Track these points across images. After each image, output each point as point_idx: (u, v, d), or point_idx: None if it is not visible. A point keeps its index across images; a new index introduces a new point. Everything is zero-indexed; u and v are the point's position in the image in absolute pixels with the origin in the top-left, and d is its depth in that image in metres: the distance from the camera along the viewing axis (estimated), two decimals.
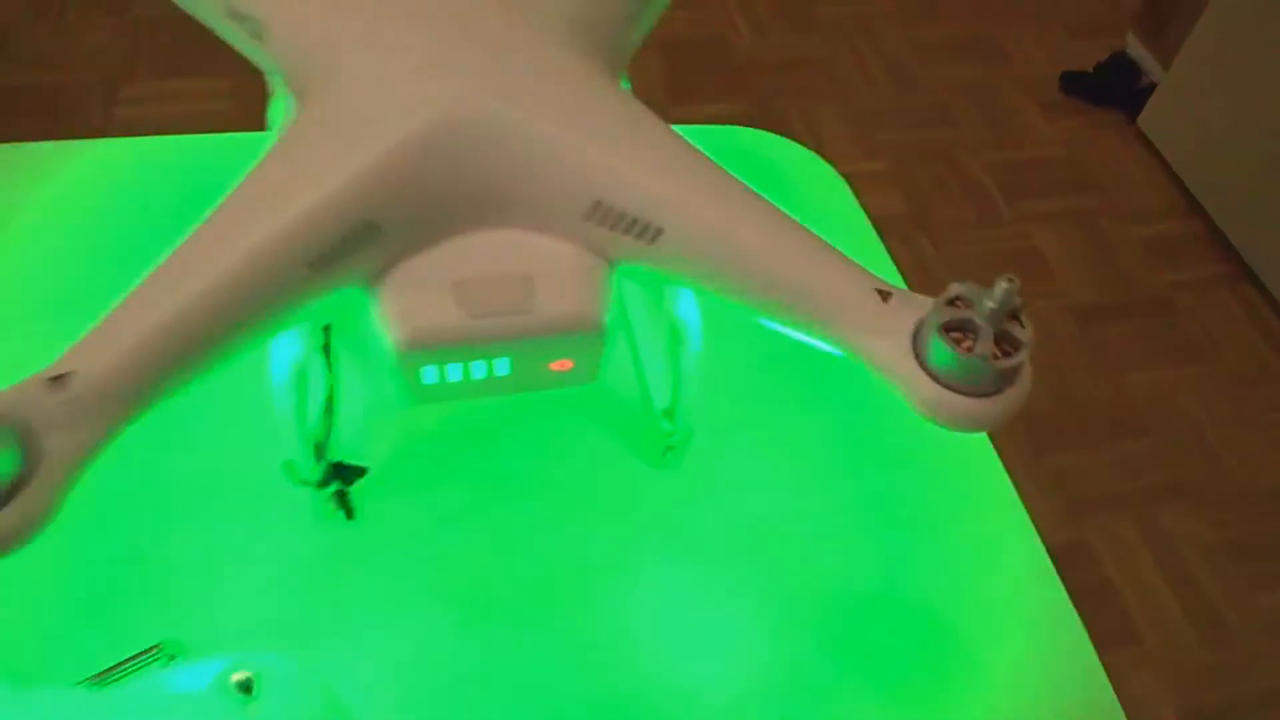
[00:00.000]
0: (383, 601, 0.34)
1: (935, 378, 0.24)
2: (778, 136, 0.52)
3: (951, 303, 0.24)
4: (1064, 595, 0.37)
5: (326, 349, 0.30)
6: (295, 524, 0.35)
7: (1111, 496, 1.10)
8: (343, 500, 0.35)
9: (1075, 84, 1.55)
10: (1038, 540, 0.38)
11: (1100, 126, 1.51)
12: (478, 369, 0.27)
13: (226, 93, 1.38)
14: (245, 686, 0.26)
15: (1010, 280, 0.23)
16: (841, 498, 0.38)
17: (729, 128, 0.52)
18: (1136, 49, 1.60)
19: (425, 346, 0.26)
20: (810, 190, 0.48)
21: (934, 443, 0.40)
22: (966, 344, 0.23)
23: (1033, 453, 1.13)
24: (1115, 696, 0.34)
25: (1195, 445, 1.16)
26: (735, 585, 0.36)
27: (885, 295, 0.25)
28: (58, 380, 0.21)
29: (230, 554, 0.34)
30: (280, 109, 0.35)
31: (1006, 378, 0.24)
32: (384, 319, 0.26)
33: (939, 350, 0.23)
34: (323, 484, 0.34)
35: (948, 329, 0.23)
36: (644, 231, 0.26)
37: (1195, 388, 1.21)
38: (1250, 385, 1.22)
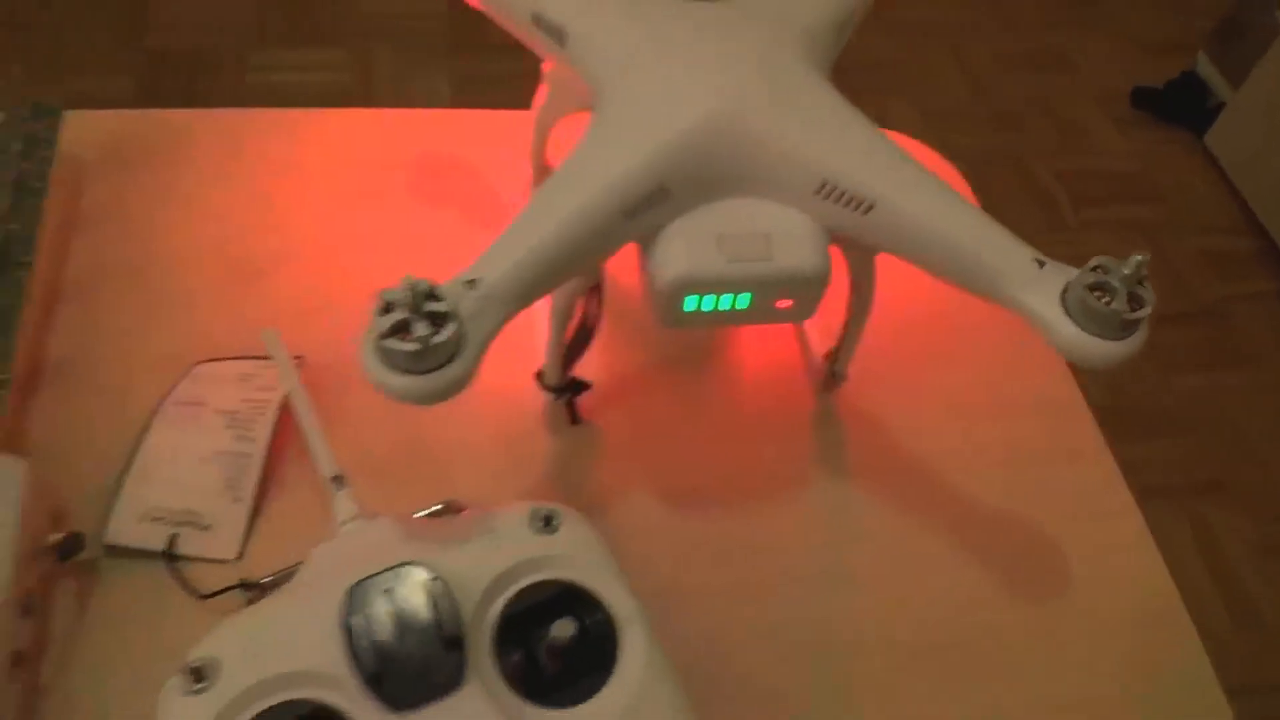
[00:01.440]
0: (601, 489, 0.44)
1: (1078, 325, 0.33)
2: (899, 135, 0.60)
3: (1093, 269, 0.33)
4: (1143, 524, 0.45)
5: (599, 287, 0.39)
6: (535, 423, 0.45)
7: (1158, 489, 1.18)
8: (571, 407, 0.45)
9: (1145, 99, 1.61)
10: (1121, 480, 0.47)
11: (1168, 142, 1.57)
12: (724, 302, 0.36)
13: (344, 64, 1.49)
14: (548, 520, 0.35)
15: (1143, 255, 0.32)
16: (966, 440, 0.47)
17: None
18: (1207, 68, 1.65)
19: (692, 282, 0.35)
20: None
21: (1038, 398, 0.49)
22: (1105, 300, 0.32)
23: None
24: (1182, 604, 0.43)
25: (1239, 447, 1.23)
26: (874, 499, 0.45)
27: (1040, 263, 0.34)
28: (470, 283, 0.31)
29: (485, 443, 0.44)
30: (546, 93, 0.44)
31: (1132, 327, 0.32)
32: (662, 260, 0.35)
33: (1085, 304, 0.32)
34: (561, 392, 0.43)
35: (1092, 288, 0.32)
36: (859, 206, 0.35)
37: (1242, 394, 1.28)
38: None
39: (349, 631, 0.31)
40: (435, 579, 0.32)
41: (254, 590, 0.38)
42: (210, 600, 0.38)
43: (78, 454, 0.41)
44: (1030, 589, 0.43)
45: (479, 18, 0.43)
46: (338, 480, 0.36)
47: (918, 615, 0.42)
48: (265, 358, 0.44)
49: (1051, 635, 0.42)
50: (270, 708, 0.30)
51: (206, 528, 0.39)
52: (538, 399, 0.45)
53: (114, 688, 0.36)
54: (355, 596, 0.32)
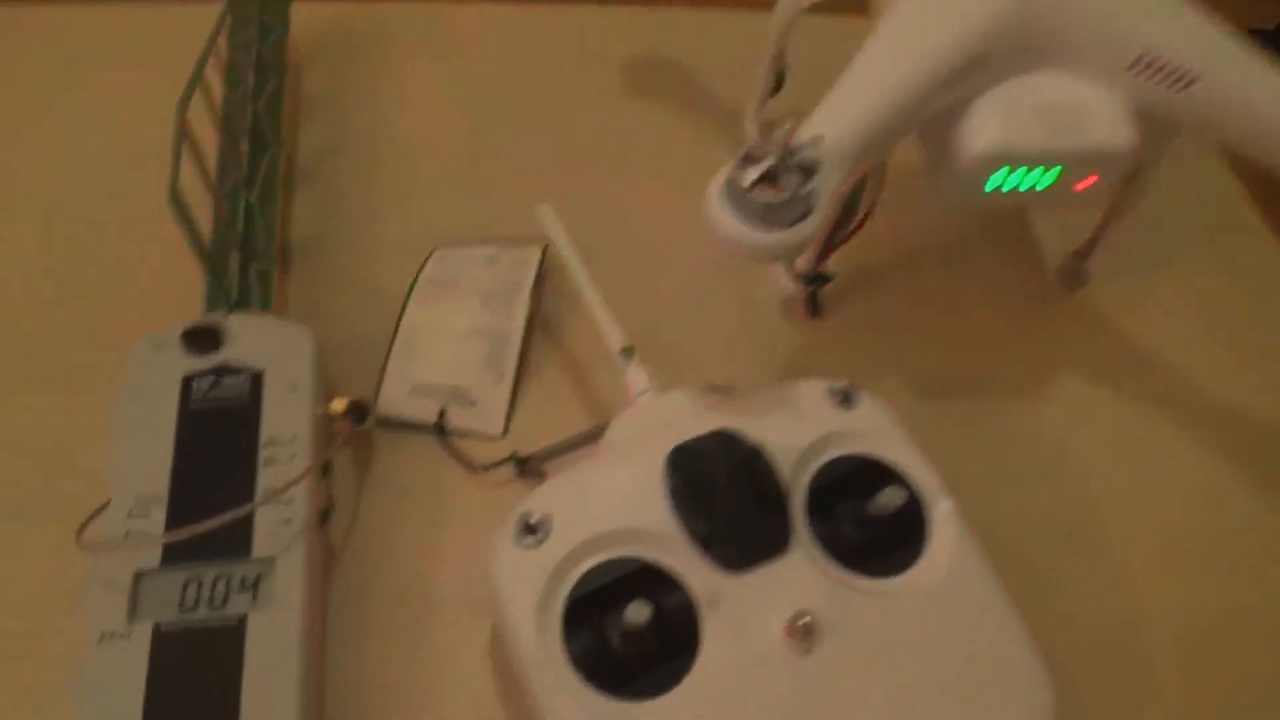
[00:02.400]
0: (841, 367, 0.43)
1: None
2: None
3: None
4: None
5: (878, 173, 0.38)
6: (774, 313, 0.44)
7: None
8: (814, 299, 0.44)
9: (1259, 41, 1.55)
10: None
11: None
12: (1029, 180, 0.35)
13: None
14: (845, 396, 0.35)
15: None
16: (1203, 338, 0.46)
17: None
18: None
19: (1006, 153, 0.34)
20: None
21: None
22: None
23: None
24: None
25: None
26: (1116, 396, 0.44)
27: None
28: (813, 138, 0.30)
29: (725, 330, 0.44)
30: None
31: None
32: (973, 132, 0.34)
33: None
34: (810, 282, 0.43)
35: None
36: (1178, 81, 0.34)
37: None
38: None
39: (675, 493, 0.31)
40: (755, 446, 0.32)
41: (528, 464, 0.38)
42: (482, 473, 0.38)
43: (332, 330, 0.41)
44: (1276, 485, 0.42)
45: None
46: (627, 352, 0.36)
47: (1161, 508, 0.41)
48: (504, 241, 0.44)
49: None
50: (601, 563, 0.30)
51: (472, 404, 0.39)
52: (773, 293, 0.45)
53: (395, 548, 0.37)
54: (677, 460, 0.32)
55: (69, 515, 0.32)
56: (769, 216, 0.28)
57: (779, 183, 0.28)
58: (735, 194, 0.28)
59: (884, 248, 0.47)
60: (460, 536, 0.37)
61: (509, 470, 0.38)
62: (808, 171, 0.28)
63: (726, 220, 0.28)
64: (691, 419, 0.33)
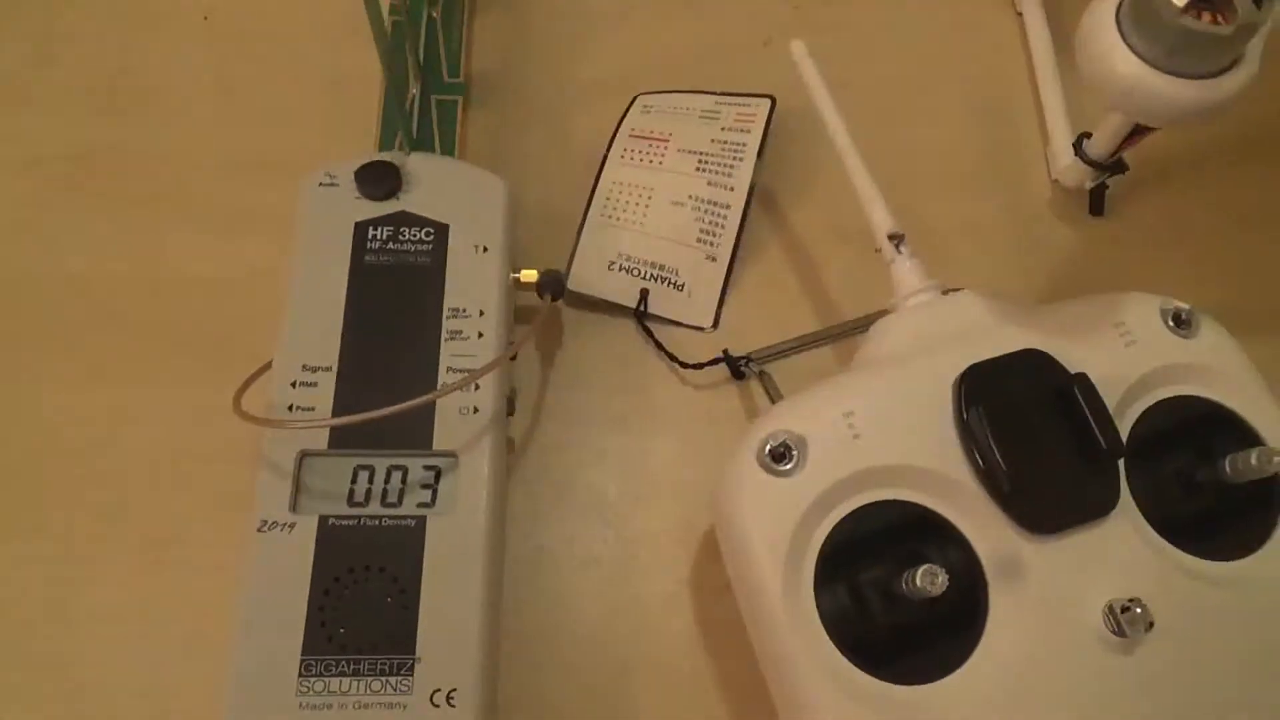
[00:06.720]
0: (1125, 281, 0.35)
1: None
2: None
3: None
4: None
5: None
6: (1043, 207, 0.36)
7: None
8: (1099, 193, 0.35)
9: None
10: None
11: None
12: None
13: None
14: (1179, 318, 0.27)
15: None
16: None
17: None
18: None
19: None
20: None
21: None
22: None
23: None
24: None
25: None
26: None
27: None
28: None
29: (982, 225, 0.35)
30: None
31: None
32: None
33: None
34: (1101, 170, 0.34)
35: None
36: None
37: None
38: None
39: (967, 428, 0.24)
40: (1079, 376, 0.24)
41: (745, 365, 0.31)
42: (688, 370, 0.32)
43: (514, 186, 0.34)
44: None
45: None
46: (896, 239, 0.28)
47: None
48: (726, 94, 0.36)
49: None
50: (866, 506, 0.24)
51: (679, 286, 0.33)
52: (1045, 181, 0.36)
53: (581, 449, 0.31)
54: (972, 385, 0.25)
55: (233, 370, 0.27)
56: (1195, 56, 0.20)
57: (1224, 12, 0.19)
58: (1148, 15, 0.20)
59: (1192, 142, 0.37)
60: (658, 442, 0.31)
61: (720, 371, 0.32)
62: None
63: (1123, 56, 0.20)
64: (987, 332, 0.26)
